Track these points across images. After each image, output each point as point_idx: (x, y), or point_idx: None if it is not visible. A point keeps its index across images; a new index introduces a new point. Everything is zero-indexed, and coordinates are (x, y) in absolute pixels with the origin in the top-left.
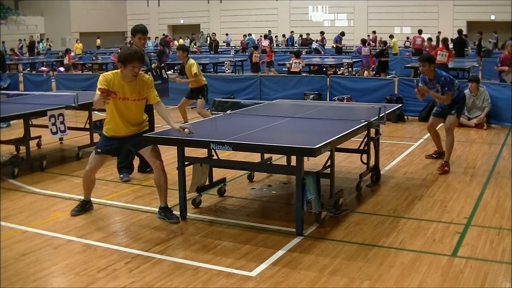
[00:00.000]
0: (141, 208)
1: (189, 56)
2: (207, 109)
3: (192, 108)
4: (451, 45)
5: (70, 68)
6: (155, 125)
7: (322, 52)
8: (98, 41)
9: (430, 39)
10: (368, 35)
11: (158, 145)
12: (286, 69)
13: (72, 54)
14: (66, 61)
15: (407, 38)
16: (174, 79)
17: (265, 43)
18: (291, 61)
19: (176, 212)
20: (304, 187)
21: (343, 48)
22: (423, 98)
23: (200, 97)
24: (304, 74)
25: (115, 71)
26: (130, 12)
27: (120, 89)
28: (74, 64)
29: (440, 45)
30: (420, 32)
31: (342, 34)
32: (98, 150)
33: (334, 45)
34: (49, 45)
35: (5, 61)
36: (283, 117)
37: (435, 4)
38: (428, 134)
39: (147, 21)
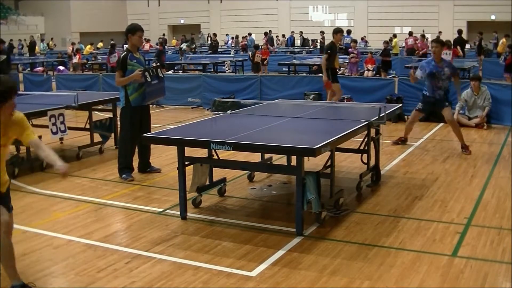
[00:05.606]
0: (141, 208)
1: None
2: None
3: (192, 108)
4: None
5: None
6: (151, 125)
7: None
8: (101, 44)
9: (423, 36)
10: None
11: (159, 145)
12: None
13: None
14: (76, 60)
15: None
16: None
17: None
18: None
19: (177, 212)
20: (304, 187)
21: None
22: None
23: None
24: (304, 74)
25: None
26: (130, 12)
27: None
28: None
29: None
30: (410, 33)
31: (348, 32)
32: None
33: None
34: (54, 44)
35: (10, 61)
36: (283, 117)
37: (435, 4)
38: (428, 134)
39: (147, 21)
